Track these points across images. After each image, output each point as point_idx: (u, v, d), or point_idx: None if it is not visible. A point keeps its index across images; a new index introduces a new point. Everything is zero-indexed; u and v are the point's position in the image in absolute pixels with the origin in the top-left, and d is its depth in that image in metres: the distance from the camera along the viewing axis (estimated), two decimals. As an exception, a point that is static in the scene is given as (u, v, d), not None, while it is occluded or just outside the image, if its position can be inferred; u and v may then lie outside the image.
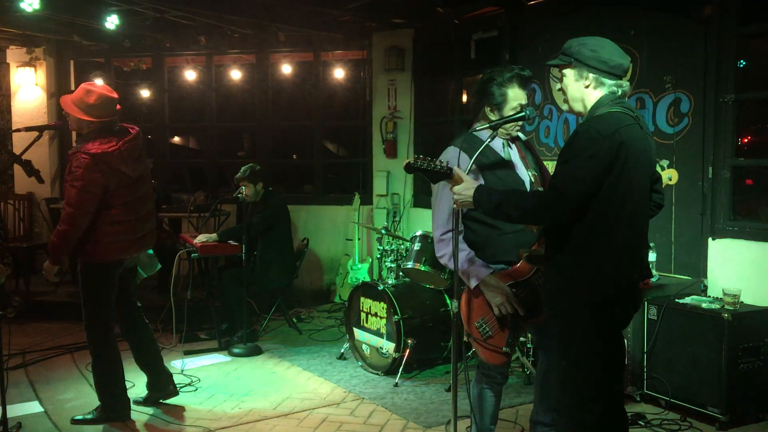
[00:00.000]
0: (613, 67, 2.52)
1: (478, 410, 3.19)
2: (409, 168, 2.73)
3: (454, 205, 2.76)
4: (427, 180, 2.83)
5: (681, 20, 4.69)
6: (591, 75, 2.54)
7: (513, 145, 3.14)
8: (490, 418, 3.21)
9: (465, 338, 3.07)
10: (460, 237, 2.97)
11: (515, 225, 2.94)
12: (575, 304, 2.51)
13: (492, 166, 3.03)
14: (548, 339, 3.02)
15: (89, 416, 4.07)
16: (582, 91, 2.58)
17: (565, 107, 2.71)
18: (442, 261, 3.10)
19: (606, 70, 2.52)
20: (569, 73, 2.60)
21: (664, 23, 4.78)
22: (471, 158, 2.92)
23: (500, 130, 3.03)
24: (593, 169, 2.39)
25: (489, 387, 3.17)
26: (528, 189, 3.04)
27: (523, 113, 2.94)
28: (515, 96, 3.01)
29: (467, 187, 2.66)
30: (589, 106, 2.57)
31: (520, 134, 3.18)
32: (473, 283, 2.97)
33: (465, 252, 3.00)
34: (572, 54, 2.56)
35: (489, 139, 3.03)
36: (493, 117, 3.02)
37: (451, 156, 2.98)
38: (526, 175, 3.08)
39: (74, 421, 4.04)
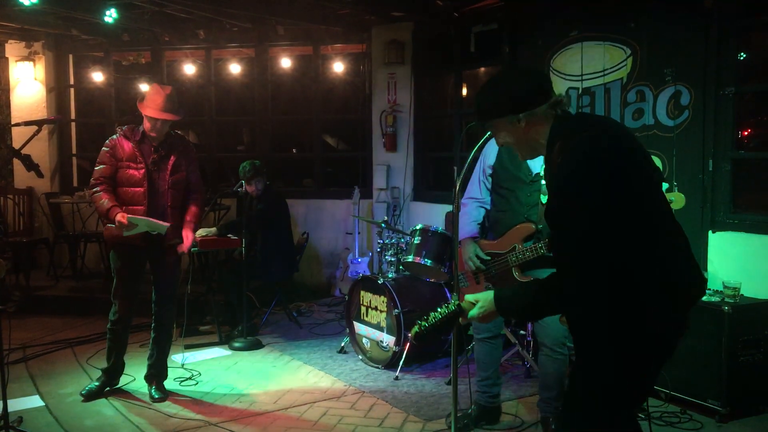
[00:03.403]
0: (532, 96, 2.15)
1: (479, 363, 3.89)
2: (418, 338, 2.39)
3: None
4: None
5: (681, 12, 4.68)
6: (521, 115, 2.15)
7: None
8: (489, 369, 3.86)
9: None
10: (474, 206, 3.79)
11: (507, 207, 3.63)
12: (602, 356, 2.11)
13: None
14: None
15: (157, 395, 4.31)
16: (525, 134, 2.20)
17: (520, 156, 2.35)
18: None
19: (530, 103, 2.15)
20: (500, 125, 2.22)
21: (664, 15, 4.76)
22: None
23: None
24: (603, 221, 1.99)
25: (478, 342, 3.85)
26: None
27: None
28: None
29: (483, 306, 2.27)
30: (544, 142, 2.18)
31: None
32: (459, 239, 3.71)
33: (468, 217, 3.75)
34: (489, 111, 2.22)
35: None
36: None
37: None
38: None
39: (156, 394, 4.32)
